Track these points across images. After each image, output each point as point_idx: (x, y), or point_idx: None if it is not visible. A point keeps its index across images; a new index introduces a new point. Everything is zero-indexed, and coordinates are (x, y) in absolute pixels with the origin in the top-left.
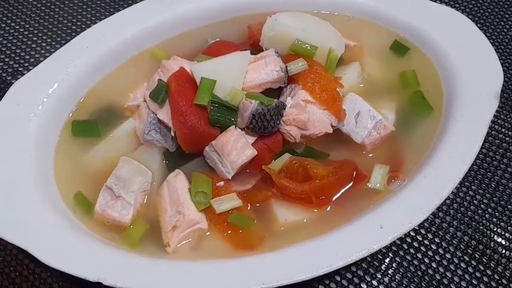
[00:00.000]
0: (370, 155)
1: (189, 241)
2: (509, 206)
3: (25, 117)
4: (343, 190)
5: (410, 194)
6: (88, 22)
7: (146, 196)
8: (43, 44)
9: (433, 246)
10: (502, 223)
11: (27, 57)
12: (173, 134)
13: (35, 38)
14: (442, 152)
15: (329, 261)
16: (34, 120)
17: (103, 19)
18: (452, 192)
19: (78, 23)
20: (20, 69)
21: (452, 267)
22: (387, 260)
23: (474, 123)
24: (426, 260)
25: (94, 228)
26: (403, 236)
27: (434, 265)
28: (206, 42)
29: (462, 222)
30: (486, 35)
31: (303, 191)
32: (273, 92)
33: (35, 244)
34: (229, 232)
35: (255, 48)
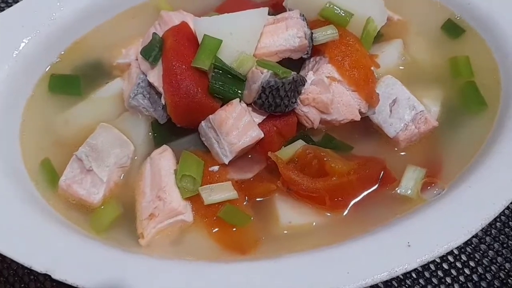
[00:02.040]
0: (403, 153)
1: (168, 234)
2: None
3: None
4: (365, 193)
5: (450, 207)
6: None
7: (123, 174)
8: None
9: (466, 271)
10: None
11: None
12: (163, 102)
13: None
14: (494, 158)
15: (336, 281)
16: (3, 68)
17: None
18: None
19: None
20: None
21: None
22: (408, 282)
23: None
24: (456, 287)
25: (56, 205)
26: None
27: None
28: None
29: (505, 245)
30: None
31: (315, 189)
32: (293, 64)
33: None
34: (218, 229)
35: (278, 9)
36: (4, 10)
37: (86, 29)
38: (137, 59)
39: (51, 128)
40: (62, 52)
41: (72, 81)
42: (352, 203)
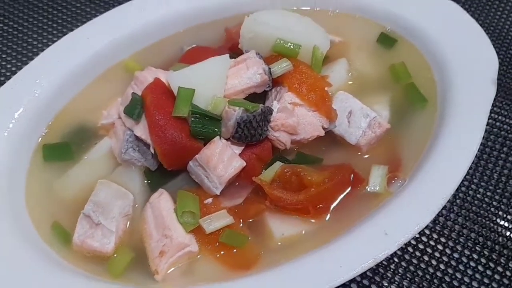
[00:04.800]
0: (367, 156)
1: (179, 266)
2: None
3: None
4: (341, 197)
5: (413, 194)
6: (54, 39)
7: (129, 221)
8: (6, 65)
9: (440, 247)
10: (509, 216)
11: None
12: (152, 151)
13: None
14: (443, 145)
15: (333, 275)
16: None
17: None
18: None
19: (42, 41)
20: None
21: (461, 267)
22: (392, 266)
23: (473, 112)
24: (434, 262)
25: (74, 261)
26: None
27: (442, 266)
28: (181, 50)
29: (467, 218)
30: (477, 22)
31: (298, 201)
32: (258, 97)
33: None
34: (222, 252)
35: (235, 51)
36: None
37: (67, 98)
38: (119, 118)
39: (53, 194)
40: (50, 123)
41: (63, 148)
42: (332, 207)
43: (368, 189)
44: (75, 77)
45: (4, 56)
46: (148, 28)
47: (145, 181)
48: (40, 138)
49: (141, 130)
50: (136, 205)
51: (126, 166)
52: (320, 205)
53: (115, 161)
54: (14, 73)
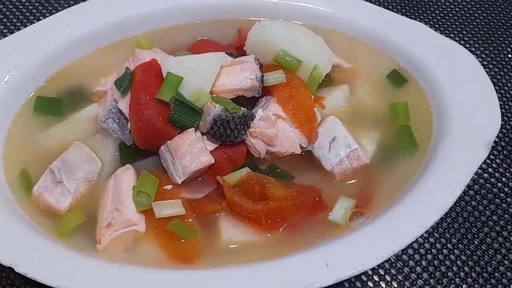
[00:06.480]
0: (339, 185)
1: (123, 242)
2: (481, 262)
3: None
4: (299, 217)
5: (369, 235)
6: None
7: (90, 187)
8: (26, 13)
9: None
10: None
11: (6, 21)
12: (130, 127)
13: (21, 6)
14: (416, 196)
15: None
16: None
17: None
18: (429, 242)
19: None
20: (5, 31)
21: None
22: None
23: (457, 170)
24: None
25: (28, 211)
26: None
27: None
28: (194, 39)
29: (425, 269)
30: (490, 76)
31: (253, 211)
32: (248, 101)
33: None
34: (166, 240)
35: (241, 52)
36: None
37: (72, 59)
38: (112, 88)
39: (33, 143)
40: (49, 78)
41: (55, 103)
42: (285, 225)
43: (329, 218)
44: (84, 41)
45: (27, 4)
46: (166, 11)
47: (117, 154)
48: (36, 90)
49: (125, 104)
50: (102, 173)
51: (104, 135)
52: (275, 220)
53: (97, 127)
54: (31, 22)
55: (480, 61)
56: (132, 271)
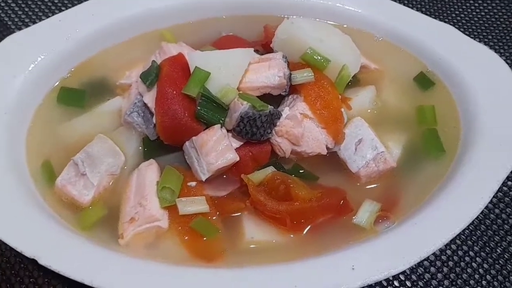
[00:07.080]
0: (365, 187)
1: (145, 238)
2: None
3: (11, 73)
4: (324, 219)
5: (395, 239)
6: None
7: (113, 181)
8: (48, 3)
9: None
10: None
11: (36, 9)
12: (155, 121)
13: None
14: (443, 201)
15: None
16: (19, 78)
17: None
18: (451, 248)
19: None
20: (27, 20)
21: None
22: None
23: (486, 177)
24: None
25: (51, 202)
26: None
27: None
28: (219, 35)
29: (446, 276)
30: None
31: (278, 211)
32: (274, 99)
33: None
34: (188, 237)
35: (267, 49)
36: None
37: (95, 50)
38: (137, 81)
39: (55, 135)
40: (72, 69)
41: (79, 94)
42: (309, 226)
43: (354, 221)
44: (109, 32)
45: None
46: (191, 5)
47: (141, 148)
48: (60, 80)
49: (150, 98)
50: (125, 167)
51: (128, 128)
52: (299, 221)
53: (120, 121)
54: (55, 12)
55: (509, 64)
56: (155, 267)
